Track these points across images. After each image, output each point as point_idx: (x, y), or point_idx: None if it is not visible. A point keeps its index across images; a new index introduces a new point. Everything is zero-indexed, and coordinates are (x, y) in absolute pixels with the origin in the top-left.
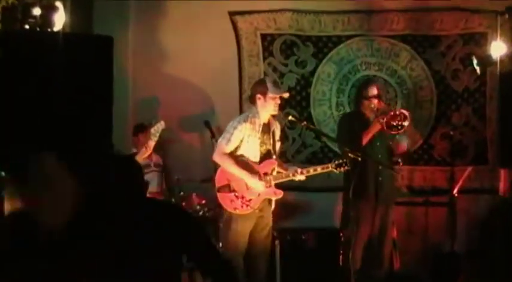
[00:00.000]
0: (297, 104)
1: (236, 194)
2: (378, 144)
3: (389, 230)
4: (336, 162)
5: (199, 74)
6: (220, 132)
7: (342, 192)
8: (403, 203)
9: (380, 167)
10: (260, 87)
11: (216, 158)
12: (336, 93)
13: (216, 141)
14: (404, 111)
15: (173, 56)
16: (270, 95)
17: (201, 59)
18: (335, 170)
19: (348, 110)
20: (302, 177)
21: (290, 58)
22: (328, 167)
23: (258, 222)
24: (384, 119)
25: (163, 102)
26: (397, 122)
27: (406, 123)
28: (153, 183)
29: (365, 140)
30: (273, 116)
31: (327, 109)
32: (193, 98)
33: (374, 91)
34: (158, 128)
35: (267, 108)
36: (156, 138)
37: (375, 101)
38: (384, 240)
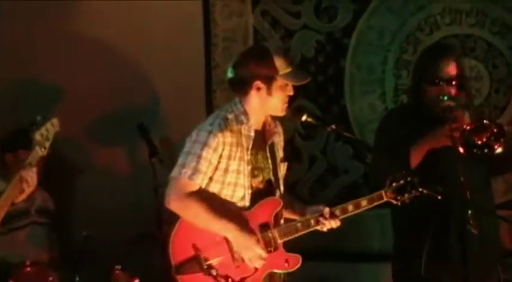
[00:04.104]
0: (318, 90)
1: (214, 272)
2: (465, 167)
3: None
4: (395, 183)
5: (128, 39)
6: (169, 146)
7: (392, 260)
8: None
9: (470, 212)
10: (261, 64)
11: (172, 202)
12: (394, 69)
13: (161, 162)
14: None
15: (85, 10)
16: (282, 82)
17: (131, 13)
18: (393, 201)
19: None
20: (335, 223)
21: (305, 2)
22: (381, 196)
23: None
24: (461, 129)
25: (61, 92)
26: (484, 139)
27: (499, 149)
28: (36, 243)
29: (415, 159)
30: (273, 117)
31: (376, 100)
32: (116, 82)
33: (450, 69)
34: (46, 132)
35: (269, 105)
36: (41, 154)
37: (450, 90)
38: None
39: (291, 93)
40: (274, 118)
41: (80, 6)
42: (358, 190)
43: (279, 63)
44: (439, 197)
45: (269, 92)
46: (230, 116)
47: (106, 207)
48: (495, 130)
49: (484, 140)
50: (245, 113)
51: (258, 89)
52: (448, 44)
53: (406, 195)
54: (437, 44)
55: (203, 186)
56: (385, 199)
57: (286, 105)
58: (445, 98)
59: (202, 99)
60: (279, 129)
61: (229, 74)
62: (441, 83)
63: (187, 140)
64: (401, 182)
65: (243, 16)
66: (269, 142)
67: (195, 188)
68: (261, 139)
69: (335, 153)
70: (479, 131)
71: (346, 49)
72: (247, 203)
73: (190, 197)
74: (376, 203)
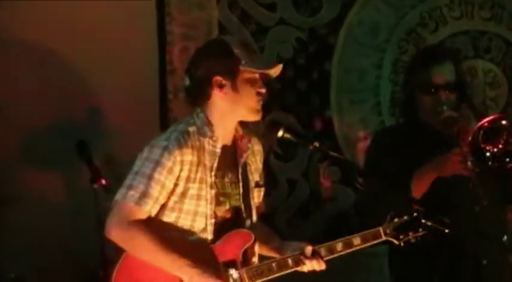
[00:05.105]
0: (298, 100)
1: None
2: (479, 194)
3: None
4: (397, 219)
5: (66, 42)
6: (115, 169)
7: None
8: None
9: (487, 248)
10: (218, 57)
11: (114, 231)
12: (391, 73)
13: (105, 188)
14: None
15: (18, 9)
16: (247, 73)
17: (70, 12)
18: (394, 240)
19: None
20: (319, 266)
21: None
22: (379, 234)
23: None
24: (468, 139)
25: None
26: (500, 146)
27: None
28: None
29: (419, 189)
30: (244, 127)
31: (368, 111)
32: (52, 92)
33: (447, 74)
34: None
35: (238, 105)
36: None
37: (448, 98)
38: None
39: (263, 89)
40: (249, 133)
41: (13, 5)
42: (346, 221)
43: (240, 51)
44: (446, 231)
45: (234, 87)
46: (191, 129)
47: (39, 243)
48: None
49: (501, 146)
50: (209, 124)
51: (221, 86)
52: (443, 45)
53: (411, 233)
54: (430, 46)
55: (153, 214)
56: (383, 238)
57: (259, 104)
58: (444, 108)
59: (155, 111)
60: (256, 147)
61: (186, 82)
62: (438, 91)
63: (138, 157)
64: (405, 217)
65: (205, 8)
66: (241, 161)
67: (143, 215)
68: (231, 158)
69: (319, 177)
70: (494, 136)
71: (332, 49)
72: (209, 236)
73: (135, 225)
74: (372, 243)
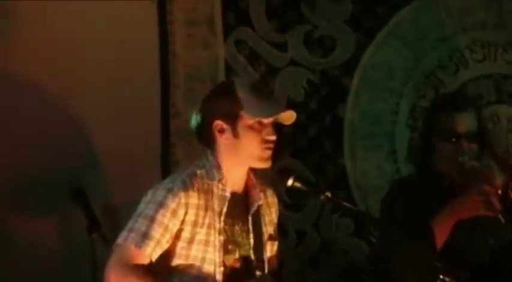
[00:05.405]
0: (309, 146)
1: None
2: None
3: None
4: None
5: (59, 75)
6: (114, 217)
7: None
8: None
9: None
10: (220, 99)
11: (112, 275)
12: (409, 119)
13: (103, 239)
14: None
15: None
16: (249, 119)
17: (63, 43)
18: None
19: None
20: None
21: (292, 30)
22: None
23: None
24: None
25: None
26: None
27: None
28: None
29: (441, 236)
30: (257, 176)
31: (384, 159)
32: (44, 133)
33: (469, 123)
34: None
35: (240, 152)
36: None
37: (470, 147)
38: None
39: (271, 137)
40: (265, 184)
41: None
42: (359, 276)
43: (244, 96)
44: None
45: (235, 133)
46: (199, 172)
47: None
48: None
49: None
50: (218, 167)
51: (221, 131)
52: (464, 91)
53: None
54: (451, 91)
55: (154, 258)
56: None
57: (266, 152)
58: (466, 158)
59: (157, 156)
60: (271, 199)
61: (193, 122)
62: (459, 140)
63: (142, 201)
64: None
65: (211, 47)
66: (252, 210)
67: (143, 260)
68: (241, 206)
69: (331, 228)
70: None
71: (346, 92)
72: None
73: (134, 272)
74: None
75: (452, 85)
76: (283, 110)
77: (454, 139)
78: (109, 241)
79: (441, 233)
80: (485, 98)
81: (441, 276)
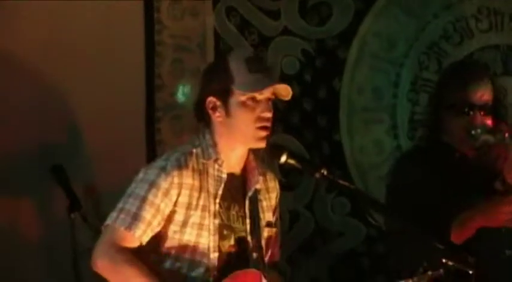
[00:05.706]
0: (303, 121)
1: None
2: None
3: None
4: (431, 272)
5: (40, 52)
6: (95, 198)
7: None
8: None
9: None
10: (213, 74)
11: (100, 262)
12: (410, 91)
13: (84, 219)
14: None
15: None
16: (241, 95)
17: (48, 21)
18: None
19: None
20: None
21: None
22: None
23: None
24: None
25: None
26: None
27: None
28: None
29: (460, 235)
30: (257, 154)
31: (384, 134)
32: (24, 110)
33: (483, 93)
34: None
35: (234, 131)
36: None
37: (484, 120)
38: None
39: (266, 114)
40: (264, 166)
41: None
42: (357, 260)
43: (237, 69)
44: (470, 272)
45: (227, 111)
46: (195, 150)
47: (8, 278)
48: None
49: None
50: (214, 146)
51: (214, 108)
52: (477, 61)
53: None
54: (462, 61)
55: (144, 241)
56: None
57: (261, 131)
58: (479, 131)
59: (141, 134)
60: (271, 184)
61: (179, 94)
62: (472, 112)
63: (133, 180)
64: (441, 271)
65: (199, 15)
66: (249, 193)
67: (133, 243)
68: (238, 189)
69: (326, 209)
70: None
71: (343, 64)
72: (213, 272)
73: (123, 255)
74: None
75: (456, 56)
76: (274, 83)
77: (468, 110)
78: (89, 221)
79: (463, 234)
80: (491, 69)
81: (444, 260)
